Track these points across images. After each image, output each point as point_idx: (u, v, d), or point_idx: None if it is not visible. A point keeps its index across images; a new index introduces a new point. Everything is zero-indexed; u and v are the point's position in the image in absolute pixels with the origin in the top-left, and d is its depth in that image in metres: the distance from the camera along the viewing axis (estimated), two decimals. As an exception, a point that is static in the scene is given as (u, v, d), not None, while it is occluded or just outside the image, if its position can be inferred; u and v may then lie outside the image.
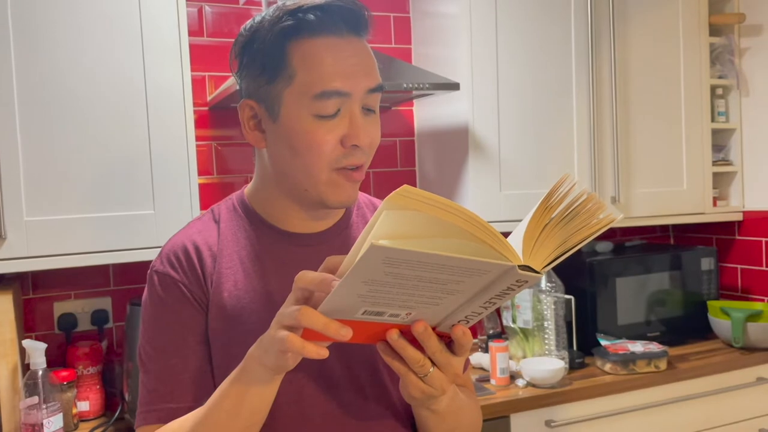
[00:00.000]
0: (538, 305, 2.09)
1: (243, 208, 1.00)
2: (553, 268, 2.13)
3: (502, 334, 2.25)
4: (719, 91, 2.52)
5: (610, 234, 2.71)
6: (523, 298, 2.10)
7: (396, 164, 2.41)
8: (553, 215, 0.66)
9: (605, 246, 2.47)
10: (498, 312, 2.29)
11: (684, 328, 2.39)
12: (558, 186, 0.67)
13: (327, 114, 0.87)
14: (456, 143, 2.16)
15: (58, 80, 1.64)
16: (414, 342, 0.77)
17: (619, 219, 0.68)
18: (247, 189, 1.02)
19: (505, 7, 2.13)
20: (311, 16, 0.87)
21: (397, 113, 2.41)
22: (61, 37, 1.64)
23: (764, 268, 2.47)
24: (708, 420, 2.14)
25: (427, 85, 1.92)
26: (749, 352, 2.23)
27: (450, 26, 2.18)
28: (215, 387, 0.89)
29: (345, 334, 0.72)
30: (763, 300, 2.47)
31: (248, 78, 0.93)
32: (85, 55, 1.66)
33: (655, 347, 2.10)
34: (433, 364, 0.79)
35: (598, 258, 2.30)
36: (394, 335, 0.76)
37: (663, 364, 2.07)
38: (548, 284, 2.11)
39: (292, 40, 0.88)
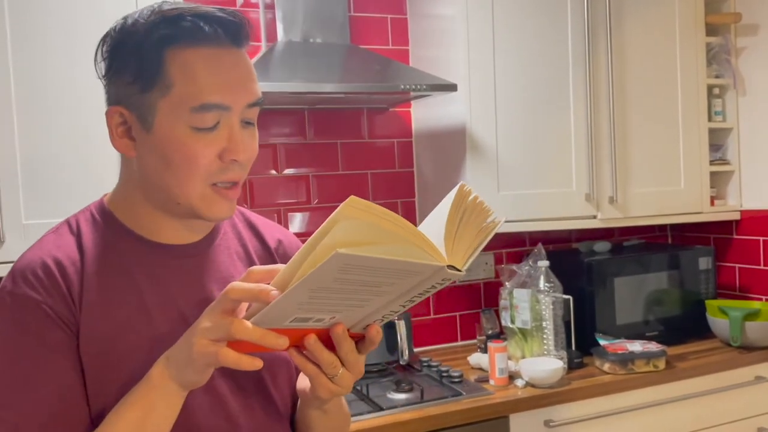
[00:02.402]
0: (537, 305, 2.09)
1: (105, 219, 0.92)
2: (552, 269, 2.14)
3: (500, 334, 2.25)
4: (716, 91, 2.52)
5: (608, 234, 2.71)
6: (522, 298, 2.10)
7: (394, 165, 2.41)
8: (459, 219, 0.72)
9: (603, 246, 2.47)
10: (496, 312, 2.29)
11: (682, 327, 2.40)
12: (462, 192, 0.73)
13: (205, 127, 0.83)
14: (453, 144, 2.17)
15: (56, 82, 1.64)
16: (327, 344, 0.78)
17: (502, 221, 0.76)
18: (108, 198, 0.95)
19: (501, 8, 2.13)
20: (190, 25, 0.82)
21: (394, 114, 2.41)
22: (59, 41, 1.64)
23: (762, 267, 2.48)
24: (706, 419, 2.14)
25: (424, 87, 1.92)
26: (747, 351, 2.24)
27: (447, 28, 2.18)
28: (91, 415, 0.84)
29: (282, 343, 0.73)
30: (761, 299, 2.48)
31: (118, 84, 0.86)
32: (82, 59, 1.65)
33: (653, 347, 2.10)
34: (342, 364, 0.80)
35: (596, 258, 2.31)
36: (311, 340, 0.76)
37: (661, 364, 2.07)
38: (546, 284, 2.11)
39: (170, 48, 0.83)
